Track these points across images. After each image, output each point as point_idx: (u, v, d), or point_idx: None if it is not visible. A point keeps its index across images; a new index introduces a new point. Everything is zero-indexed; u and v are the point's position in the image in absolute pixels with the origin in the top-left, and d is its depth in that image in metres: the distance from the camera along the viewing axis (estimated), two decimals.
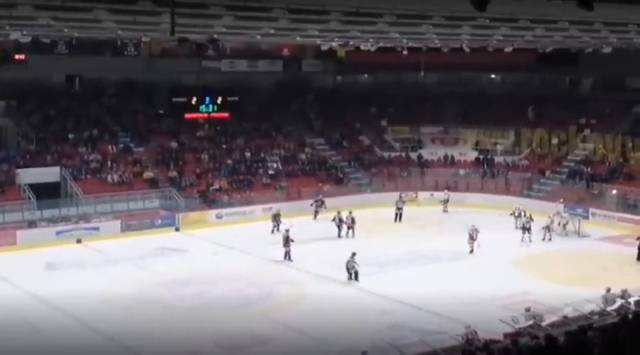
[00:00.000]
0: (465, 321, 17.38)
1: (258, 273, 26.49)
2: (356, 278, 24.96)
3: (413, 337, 17.71)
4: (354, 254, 25.13)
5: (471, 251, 29.24)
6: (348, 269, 25.05)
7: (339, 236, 32.19)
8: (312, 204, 35.82)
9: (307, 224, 33.20)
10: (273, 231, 32.46)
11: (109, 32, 26.21)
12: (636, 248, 28.45)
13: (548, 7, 15.80)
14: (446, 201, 37.93)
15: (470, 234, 29.55)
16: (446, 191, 39.02)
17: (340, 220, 32.43)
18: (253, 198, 37.48)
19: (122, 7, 18.47)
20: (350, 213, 32.54)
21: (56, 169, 35.36)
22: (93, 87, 42.34)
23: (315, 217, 35.35)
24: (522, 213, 32.87)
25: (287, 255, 27.80)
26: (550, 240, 31.42)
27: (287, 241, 27.87)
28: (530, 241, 30.82)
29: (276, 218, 33.06)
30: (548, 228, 31.65)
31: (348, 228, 32.18)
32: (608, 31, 25.46)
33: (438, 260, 27.94)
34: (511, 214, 33.61)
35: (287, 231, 28.14)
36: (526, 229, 31.11)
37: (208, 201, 36.92)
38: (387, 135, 46.19)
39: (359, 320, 20.91)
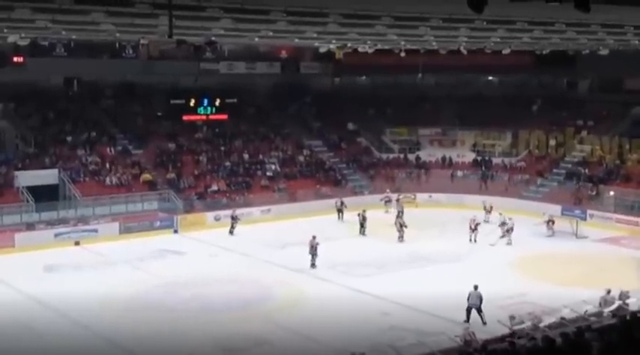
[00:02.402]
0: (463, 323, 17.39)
1: (257, 275, 26.50)
2: (467, 319, 20.24)
3: (411, 338, 17.73)
4: (476, 286, 20.58)
5: (470, 240, 30.81)
6: (469, 310, 20.32)
7: (361, 233, 32.78)
8: (336, 204, 36.37)
9: (305, 225, 33.14)
10: (231, 232, 33.10)
11: (107, 34, 26.23)
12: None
13: (545, 9, 15.87)
14: (388, 201, 37.98)
15: (470, 224, 31.15)
16: (388, 190, 39.23)
17: (364, 218, 32.87)
18: (251, 200, 37.50)
19: (120, 9, 18.52)
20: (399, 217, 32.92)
21: (54, 171, 35.33)
22: (91, 89, 42.36)
23: (340, 218, 35.91)
24: (488, 209, 34.83)
25: (313, 263, 27.00)
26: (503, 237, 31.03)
27: (313, 248, 26.92)
28: (476, 241, 30.99)
29: (233, 218, 33.45)
30: (505, 228, 31.37)
31: (398, 231, 31.77)
32: (605, 33, 25.55)
33: (436, 261, 27.99)
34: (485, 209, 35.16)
35: (315, 238, 27.15)
36: (474, 229, 31.31)
37: (207, 203, 36.93)
38: (385, 137, 46.25)
39: (357, 321, 20.91)
